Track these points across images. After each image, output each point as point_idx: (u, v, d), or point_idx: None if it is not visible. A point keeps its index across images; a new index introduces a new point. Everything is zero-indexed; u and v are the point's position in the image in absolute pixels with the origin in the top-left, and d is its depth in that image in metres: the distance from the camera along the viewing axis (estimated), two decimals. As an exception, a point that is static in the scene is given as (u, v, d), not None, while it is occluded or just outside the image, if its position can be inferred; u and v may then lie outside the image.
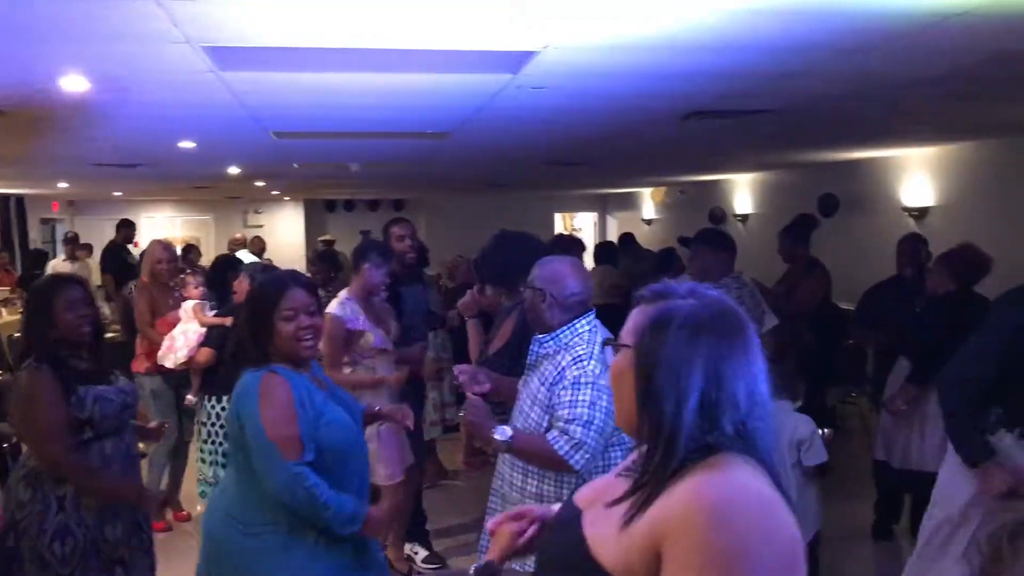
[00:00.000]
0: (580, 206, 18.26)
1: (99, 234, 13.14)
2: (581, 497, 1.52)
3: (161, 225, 16.58)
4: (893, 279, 5.47)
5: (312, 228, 17.09)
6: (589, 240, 14.39)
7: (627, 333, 1.41)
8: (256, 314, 2.57)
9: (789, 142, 7.62)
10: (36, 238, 14.54)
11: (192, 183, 12.07)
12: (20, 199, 13.48)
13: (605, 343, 1.49)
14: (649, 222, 15.24)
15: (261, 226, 16.76)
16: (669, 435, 1.31)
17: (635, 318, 1.41)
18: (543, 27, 3.18)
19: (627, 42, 3.45)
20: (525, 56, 3.61)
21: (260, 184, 12.44)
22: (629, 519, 1.31)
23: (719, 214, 12.45)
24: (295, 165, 8.93)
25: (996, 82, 4.46)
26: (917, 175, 8.80)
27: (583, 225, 18.75)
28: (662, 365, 1.32)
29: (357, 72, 4.01)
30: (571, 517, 1.46)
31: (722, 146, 7.78)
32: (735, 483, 1.27)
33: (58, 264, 11.28)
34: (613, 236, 16.83)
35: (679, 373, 1.31)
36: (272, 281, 2.65)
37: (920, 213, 8.68)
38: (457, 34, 3.29)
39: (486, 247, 3.84)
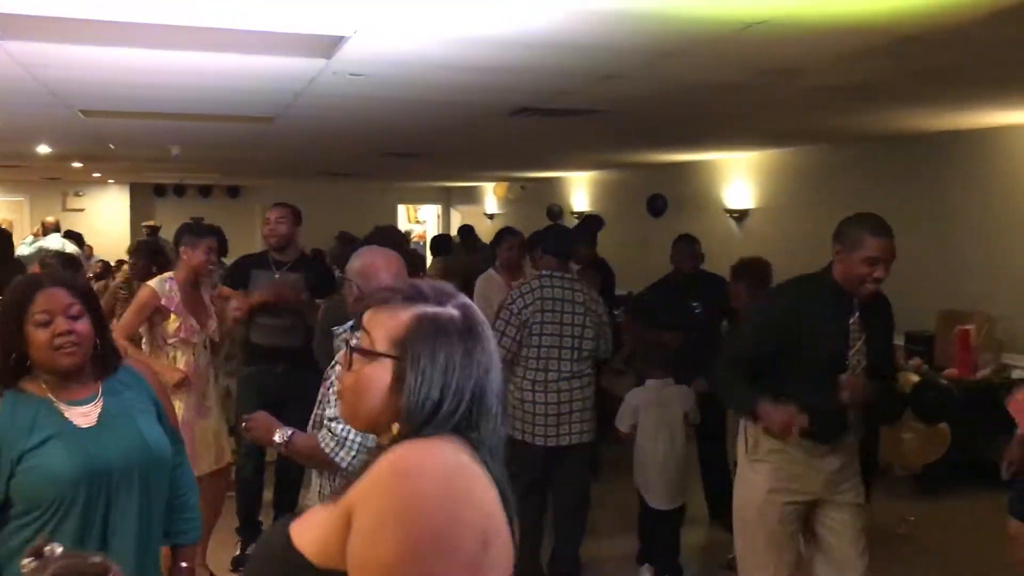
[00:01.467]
0: (424, 198, 18.15)
1: None
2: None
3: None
4: (671, 277, 5.58)
5: (138, 213, 16.20)
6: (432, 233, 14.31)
7: (381, 339, 1.41)
8: (4, 323, 2.18)
9: (617, 143, 7.78)
10: None
11: None
12: None
13: (352, 348, 1.43)
14: (491, 216, 15.31)
15: (82, 209, 15.78)
16: (403, 425, 1.37)
17: (387, 323, 1.42)
18: (352, 11, 3.07)
19: (445, 34, 3.38)
20: (337, 40, 3.48)
21: (78, 165, 11.68)
22: (337, 498, 1.35)
23: (557, 210, 12.65)
24: (112, 146, 8.42)
25: (796, 91, 4.67)
26: (738, 179, 9.18)
27: (427, 217, 18.66)
28: (418, 370, 1.37)
29: (161, 49, 3.77)
30: (286, 520, 1.46)
31: (554, 144, 7.86)
32: (427, 451, 1.33)
33: None
34: (455, 229, 16.87)
35: (430, 378, 1.37)
36: (21, 281, 2.28)
37: (741, 215, 9.07)
38: (265, 14, 3.13)
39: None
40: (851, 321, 3.10)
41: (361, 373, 1.42)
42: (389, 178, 14.77)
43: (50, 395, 2.19)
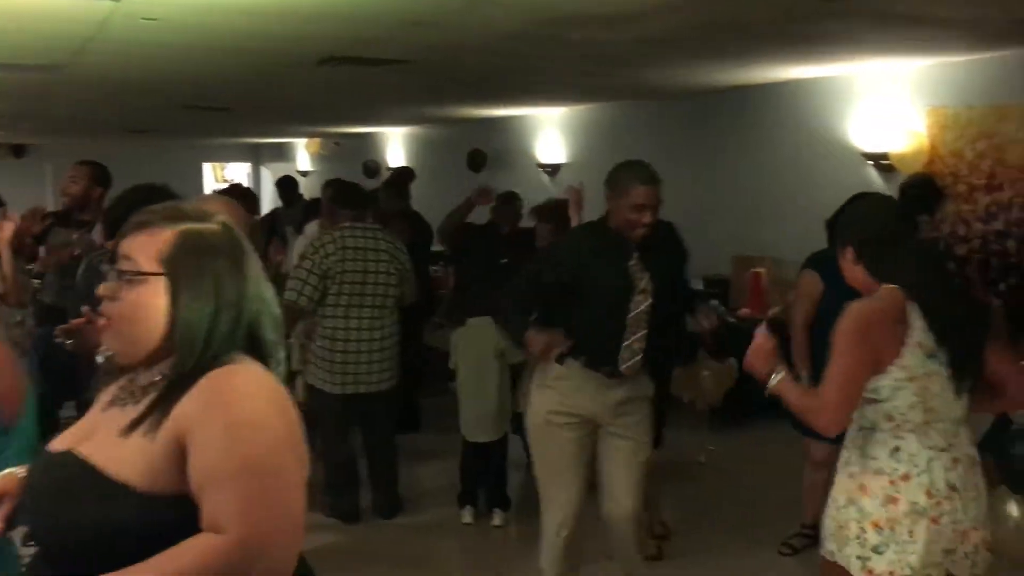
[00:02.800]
0: (232, 156, 17.44)
1: None
2: (58, 443, 1.52)
3: None
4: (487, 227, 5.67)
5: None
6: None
7: (148, 259, 1.43)
8: None
9: (431, 95, 7.76)
10: None
11: None
12: None
13: (119, 274, 1.42)
14: (305, 174, 14.93)
15: None
16: (198, 349, 1.42)
17: (149, 244, 1.44)
18: (140, -52, 2.91)
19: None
20: (125, -20, 3.30)
21: None
22: (156, 426, 1.39)
23: (373, 166, 12.49)
24: None
25: (598, 43, 4.82)
26: (551, 133, 9.39)
27: (236, 176, 17.95)
28: (191, 285, 1.42)
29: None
30: (57, 461, 1.46)
31: (367, 96, 7.75)
32: (248, 373, 1.43)
33: None
34: (268, 187, 16.32)
35: (204, 291, 1.42)
36: None
37: (553, 169, 9.29)
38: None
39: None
40: (630, 264, 3.23)
41: (130, 300, 1.42)
42: (194, 135, 14.07)
43: None
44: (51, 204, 8.04)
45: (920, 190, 5.15)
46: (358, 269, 4.46)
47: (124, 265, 1.44)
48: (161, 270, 1.42)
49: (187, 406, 1.38)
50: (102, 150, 14.48)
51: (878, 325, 2.20)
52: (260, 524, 1.33)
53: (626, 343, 3.24)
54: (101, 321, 1.46)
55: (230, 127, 12.19)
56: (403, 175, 7.35)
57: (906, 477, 2.22)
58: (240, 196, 5.02)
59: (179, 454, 1.36)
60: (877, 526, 2.23)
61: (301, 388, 5.34)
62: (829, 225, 3.59)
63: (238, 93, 7.23)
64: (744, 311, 6.45)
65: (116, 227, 1.87)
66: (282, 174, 9.71)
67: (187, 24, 4.16)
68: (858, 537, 2.25)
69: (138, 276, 1.42)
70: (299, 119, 10.84)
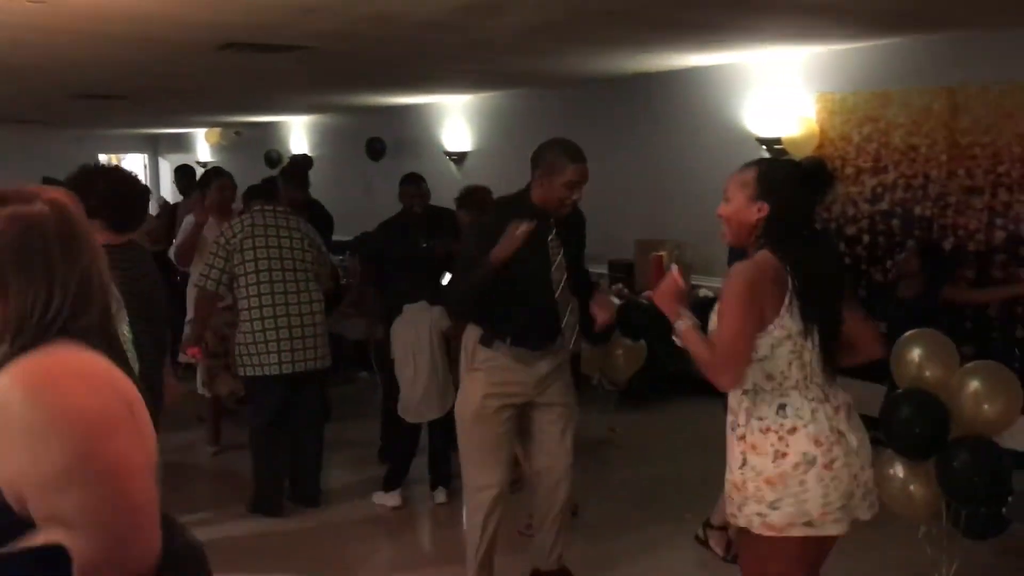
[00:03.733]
0: (128, 146, 16.89)
1: None
2: None
3: None
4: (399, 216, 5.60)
5: None
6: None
7: None
8: None
9: (331, 83, 7.68)
10: None
11: None
12: None
13: None
14: (204, 164, 14.57)
15: None
16: (15, 331, 1.35)
17: None
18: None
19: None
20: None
21: None
22: None
23: (275, 156, 12.28)
24: None
25: (499, 30, 4.86)
26: (456, 121, 9.40)
27: (131, 167, 17.38)
28: (12, 265, 1.35)
29: None
30: None
31: (267, 84, 7.62)
32: (48, 358, 1.33)
33: None
34: (166, 178, 15.87)
35: (23, 271, 1.35)
36: None
37: (459, 157, 9.31)
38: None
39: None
40: (549, 239, 3.31)
41: None
42: (89, 124, 13.58)
43: None
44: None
45: (812, 173, 5.35)
46: (271, 245, 4.41)
47: None
48: None
49: None
50: (-12, 141, 13.94)
51: (761, 284, 2.31)
52: (111, 527, 1.27)
53: (565, 321, 3.34)
54: None
55: (127, 117, 11.82)
56: (302, 163, 7.23)
57: (793, 430, 2.33)
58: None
59: None
60: (770, 482, 2.33)
61: (221, 383, 5.24)
62: None
63: (135, 81, 7.02)
64: (648, 294, 6.60)
65: None
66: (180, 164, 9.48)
67: (74, 7, 4.02)
68: (755, 495, 2.35)
69: None
70: (199, 108, 10.58)
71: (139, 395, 1.41)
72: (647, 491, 4.88)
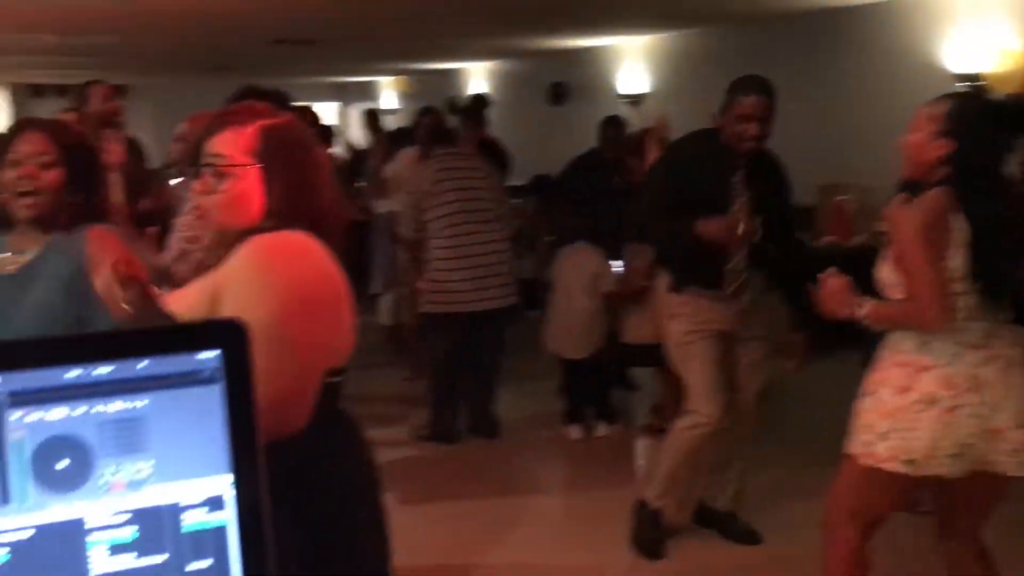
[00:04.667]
0: (319, 95, 17.65)
1: None
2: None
3: None
4: (590, 155, 5.61)
5: (18, 116, 15.42)
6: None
7: (238, 155, 1.65)
8: None
9: (511, 24, 7.74)
10: None
11: None
12: None
13: (215, 168, 1.66)
14: (390, 112, 15.08)
15: (-44, 113, 14.90)
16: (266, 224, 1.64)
17: (237, 141, 1.66)
18: None
19: None
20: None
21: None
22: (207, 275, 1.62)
23: (457, 103, 12.53)
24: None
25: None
26: (633, 64, 9.28)
27: (326, 115, 18.20)
28: (274, 169, 1.65)
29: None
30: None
31: (447, 26, 7.77)
32: (280, 237, 1.62)
33: None
34: (356, 126, 16.53)
35: (284, 172, 1.65)
36: (14, 123, 2.22)
37: (635, 100, 9.20)
38: None
39: None
40: (735, 179, 3.26)
41: (228, 190, 1.63)
42: (281, 73, 14.32)
43: (10, 238, 2.11)
44: (153, 143, 8.29)
45: (1010, 114, 4.96)
46: (460, 187, 4.58)
47: (220, 160, 1.65)
48: (253, 162, 1.64)
49: (228, 265, 1.59)
50: (195, 88, 14.93)
51: (933, 226, 2.24)
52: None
53: (729, 266, 3.32)
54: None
55: (316, 65, 12.38)
56: (478, 102, 7.36)
57: (926, 368, 2.27)
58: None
59: (212, 304, 1.56)
60: (886, 415, 2.31)
61: (403, 307, 5.50)
62: None
63: (324, 24, 7.34)
64: (829, 238, 6.36)
65: None
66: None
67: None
68: (869, 425, 2.34)
69: (235, 167, 1.64)
70: (383, 55, 10.94)
71: (348, 290, 1.65)
72: (803, 435, 4.73)
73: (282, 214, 1.63)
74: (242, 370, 0.93)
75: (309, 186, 1.66)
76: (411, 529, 1.82)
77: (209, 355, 0.93)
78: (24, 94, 15.69)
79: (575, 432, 4.84)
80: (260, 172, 1.64)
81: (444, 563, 3.44)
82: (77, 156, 2.11)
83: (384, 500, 1.80)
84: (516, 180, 7.17)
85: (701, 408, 3.36)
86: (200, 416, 0.92)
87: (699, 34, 8.32)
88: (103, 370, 0.89)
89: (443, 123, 5.19)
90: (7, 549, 0.86)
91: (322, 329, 1.60)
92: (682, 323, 3.40)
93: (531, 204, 7.15)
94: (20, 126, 2.14)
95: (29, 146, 2.06)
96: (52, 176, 2.06)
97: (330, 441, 1.64)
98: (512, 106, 11.18)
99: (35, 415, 0.87)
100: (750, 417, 3.51)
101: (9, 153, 2.06)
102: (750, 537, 3.59)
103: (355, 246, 4.34)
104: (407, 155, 5.94)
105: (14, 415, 0.87)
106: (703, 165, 3.30)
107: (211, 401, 0.93)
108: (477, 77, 12.53)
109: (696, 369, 3.40)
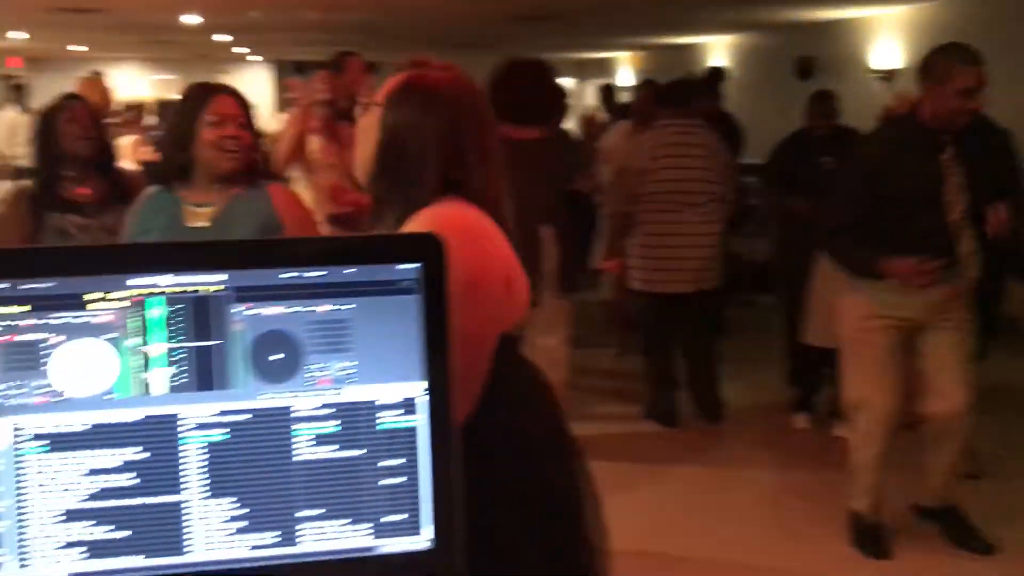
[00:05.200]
0: (559, 71, 17.92)
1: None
2: None
3: (124, 84, 16.21)
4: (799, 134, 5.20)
5: (283, 91, 16.75)
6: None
7: (380, 94, 1.57)
8: (180, 118, 2.36)
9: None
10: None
11: (147, 35, 11.76)
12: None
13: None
14: (627, 88, 15.06)
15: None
16: (408, 184, 1.51)
17: (388, 83, 1.58)
18: None
19: None
20: None
21: (222, 39, 12.12)
22: None
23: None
24: (252, 13, 8.72)
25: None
26: (886, 37, 8.71)
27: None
28: (403, 125, 1.52)
29: None
30: None
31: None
32: (448, 210, 1.49)
33: (10, 116, 11.10)
34: (589, 99, 16.63)
35: (415, 133, 1.51)
36: (198, 85, 2.45)
37: (888, 75, 8.63)
38: None
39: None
40: (943, 158, 3.01)
41: (363, 121, 1.60)
42: (520, 50, 14.64)
43: (182, 194, 2.37)
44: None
45: None
46: (678, 166, 4.41)
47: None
48: (381, 102, 1.57)
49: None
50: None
51: None
52: None
53: (962, 248, 3.07)
54: None
55: (554, 40, 12.55)
56: (713, 75, 7.17)
57: None
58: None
59: None
60: None
61: (608, 285, 5.54)
62: None
63: (566, 2, 7.43)
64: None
65: None
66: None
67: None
68: None
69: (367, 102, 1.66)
70: (622, 30, 10.91)
71: (518, 267, 1.54)
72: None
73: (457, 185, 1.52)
74: (438, 283, 0.97)
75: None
76: (609, 510, 1.73)
77: (409, 267, 0.97)
78: (288, 70, 17.03)
79: (801, 422, 4.64)
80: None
81: (643, 549, 3.30)
82: (252, 120, 2.43)
83: (584, 459, 1.72)
84: (756, 159, 6.94)
85: (862, 405, 3.20)
86: (399, 324, 0.98)
87: (961, 3, 7.67)
88: (315, 274, 0.96)
89: (663, 93, 4.89)
90: (227, 429, 0.95)
91: (492, 305, 1.48)
92: (862, 304, 3.17)
93: (763, 183, 6.89)
94: (213, 89, 2.39)
95: (228, 108, 2.34)
96: (247, 135, 2.36)
97: (509, 385, 1.54)
98: (755, 82, 10.82)
99: (255, 310, 0.96)
100: (958, 416, 3.16)
101: (207, 114, 2.31)
102: (980, 545, 3.31)
103: (580, 219, 4.27)
104: (621, 128, 5.90)
105: (237, 308, 0.95)
106: (904, 156, 3.04)
107: (410, 311, 0.98)
108: (717, 52, 12.23)
109: (858, 361, 3.22)
